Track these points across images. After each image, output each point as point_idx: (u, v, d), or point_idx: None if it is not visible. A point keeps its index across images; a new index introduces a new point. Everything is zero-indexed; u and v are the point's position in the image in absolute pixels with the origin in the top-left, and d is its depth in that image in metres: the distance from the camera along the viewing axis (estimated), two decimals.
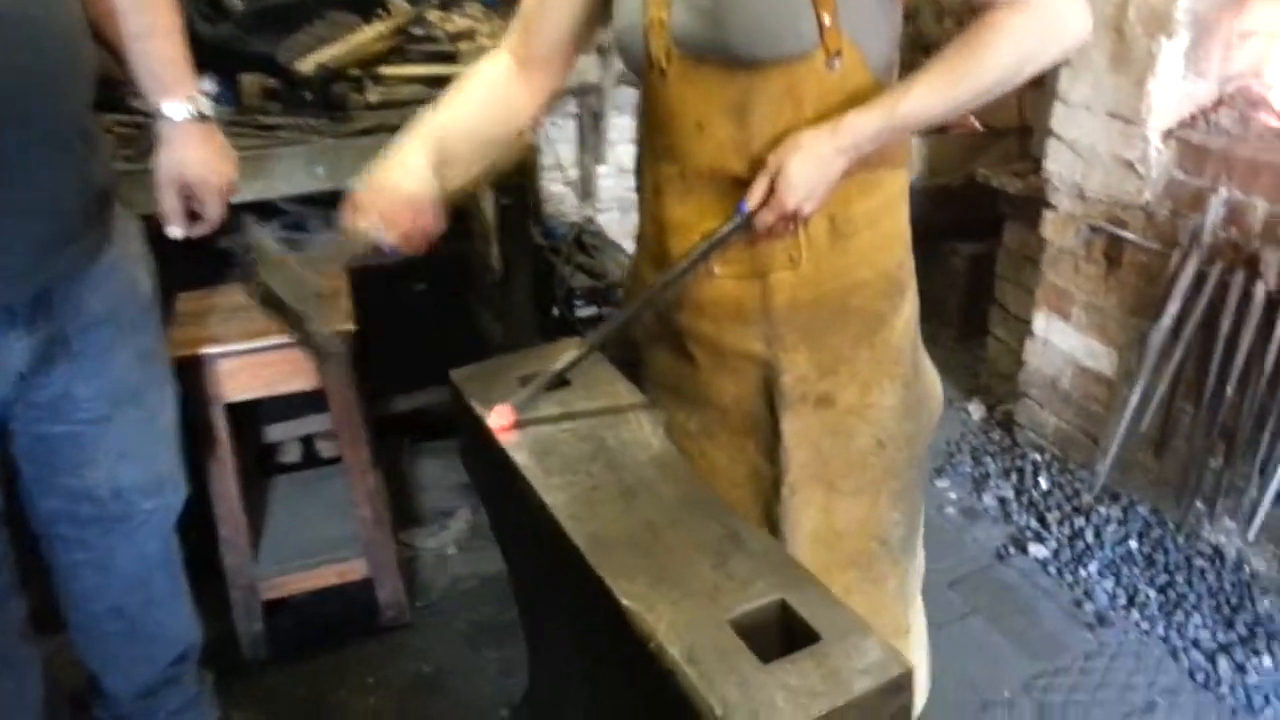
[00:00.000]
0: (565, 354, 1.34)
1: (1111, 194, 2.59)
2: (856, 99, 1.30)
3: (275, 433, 2.61)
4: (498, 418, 1.28)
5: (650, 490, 1.15)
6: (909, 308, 1.50)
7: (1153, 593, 2.52)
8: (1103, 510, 2.74)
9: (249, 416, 2.44)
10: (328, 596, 2.42)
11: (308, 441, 2.68)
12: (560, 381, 1.36)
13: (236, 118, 2.25)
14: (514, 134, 1.47)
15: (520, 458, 1.22)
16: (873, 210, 1.41)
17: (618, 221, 3.54)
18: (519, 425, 1.28)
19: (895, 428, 1.50)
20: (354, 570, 2.39)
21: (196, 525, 1.96)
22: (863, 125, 1.29)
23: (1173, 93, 2.43)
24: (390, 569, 2.42)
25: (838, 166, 1.30)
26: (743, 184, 1.35)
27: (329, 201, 2.61)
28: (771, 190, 1.31)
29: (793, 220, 1.33)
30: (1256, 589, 2.48)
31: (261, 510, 2.49)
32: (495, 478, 1.31)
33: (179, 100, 1.65)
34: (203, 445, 2.14)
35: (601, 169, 3.44)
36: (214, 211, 1.75)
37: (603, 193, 3.50)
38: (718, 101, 1.34)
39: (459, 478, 2.92)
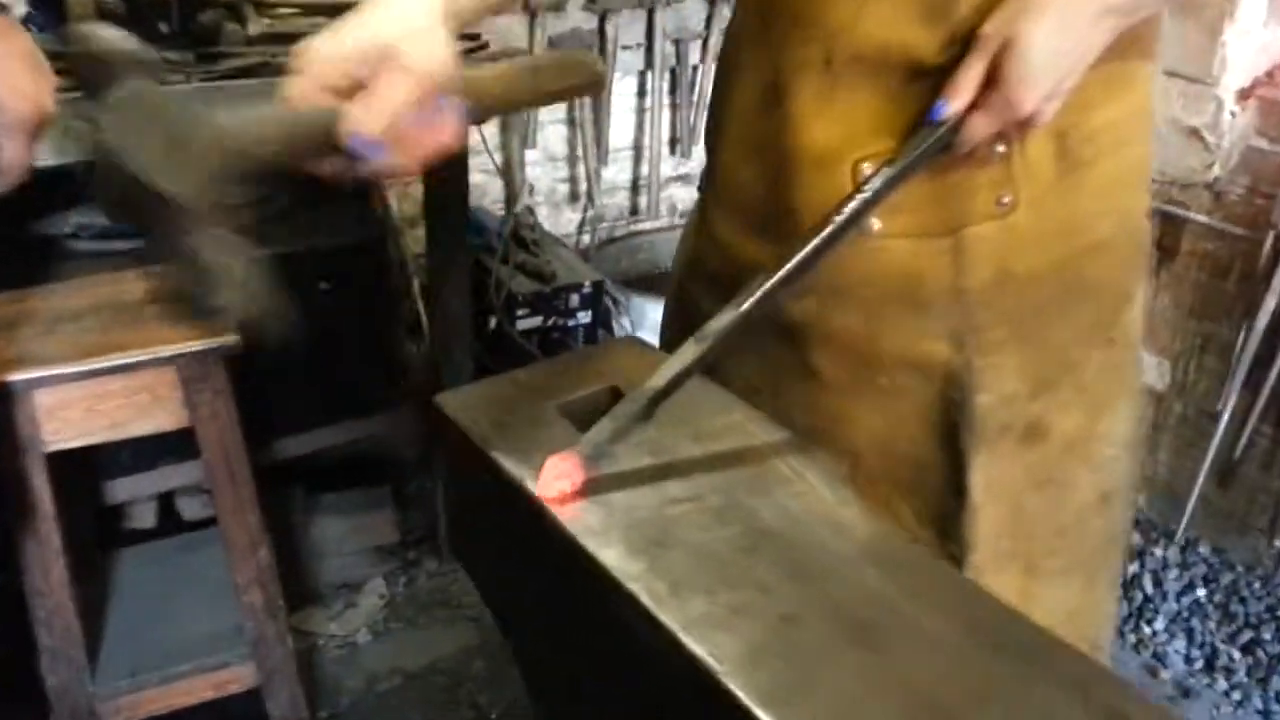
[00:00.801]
0: (662, 365, 0.75)
1: (1167, 170, 2.17)
2: None
3: (121, 490, 1.94)
4: (555, 478, 0.69)
5: (897, 618, 0.59)
6: (1147, 281, 1.00)
7: (1236, 654, 2.09)
8: (1157, 553, 2.31)
9: (83, 469, 1.81)
10: (198, 714, 1.75)
11: (167, 501, 2.00)
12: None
13: (60, 48, 1.58)
14: None
15: (613, 559, 0.64)
16: (1120, 122, 0.90)
17: (548, 218, 2.96)
18: (588, 490, 0.70)
19: (1124, 470, 1.00)
20: (237, 678, 1.75)
21: (5, 627, 1.43)
22: None
23: (1250, 44, 2.03)
24: (286, 672, 1.78)
25: (1099, 39, 0.79)
26: (933, 76, 0.81)
27: None
28: (990, 81, 0.78)
29: (1020, 131, 0.81)
30: None
31: (102, 600, 1.82)
32: (551, 589, 0.73)
33: None
34: (13, 512, 1.49)
35: (529, 154, 2.86)
36: (15, 157, 1.08)
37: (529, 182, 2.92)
38: None
39: (367, 539, 2.28)
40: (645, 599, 0.60)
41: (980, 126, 0.79)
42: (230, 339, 1.47)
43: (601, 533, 0.66)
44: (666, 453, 0.75)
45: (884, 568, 0.63)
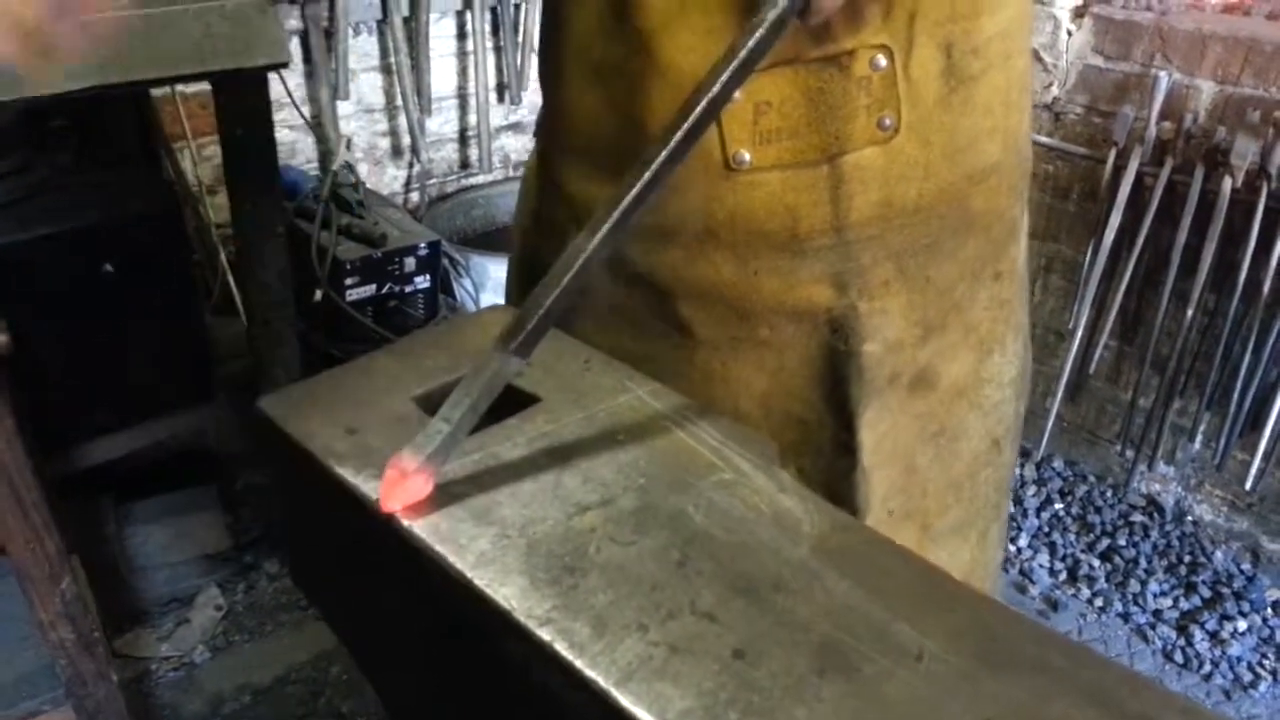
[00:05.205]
0: (503, 327, 0.59)
1: None
2: None
3: None
4: (397, 487, 0.54)
5: (871, 632, 0.48)
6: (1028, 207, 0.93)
7: (1096, 562, 2.14)
8: (1015, 471, 2.33)
9: None
10: None
11: None
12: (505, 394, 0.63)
13: None
14: None
15: (514, 596, 0.50)
16: (1008, 32, 0.81)
17: (370, 176, 2.73)
18: (444, 496, 0.56)
19: (1012, 414, 0.94)
20: None
21: None
22: None
23: None
24: (112, 708, 1.57)
25: None
26: None
27: None
28: None
29: None
30: (1205, 540, 2.16)
31: None
32: (426, 632, 0.58)
33: None
34: None
35: (342, 106, 2.62)
36: None
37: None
38: None
39: (195, 546, 2.05)
40: (562, 647, 0.47)
41: None
42: None
43: (495, 560, 0.52)
44: (561, 444, 0.61)
45: (844, 569, 0.52)
